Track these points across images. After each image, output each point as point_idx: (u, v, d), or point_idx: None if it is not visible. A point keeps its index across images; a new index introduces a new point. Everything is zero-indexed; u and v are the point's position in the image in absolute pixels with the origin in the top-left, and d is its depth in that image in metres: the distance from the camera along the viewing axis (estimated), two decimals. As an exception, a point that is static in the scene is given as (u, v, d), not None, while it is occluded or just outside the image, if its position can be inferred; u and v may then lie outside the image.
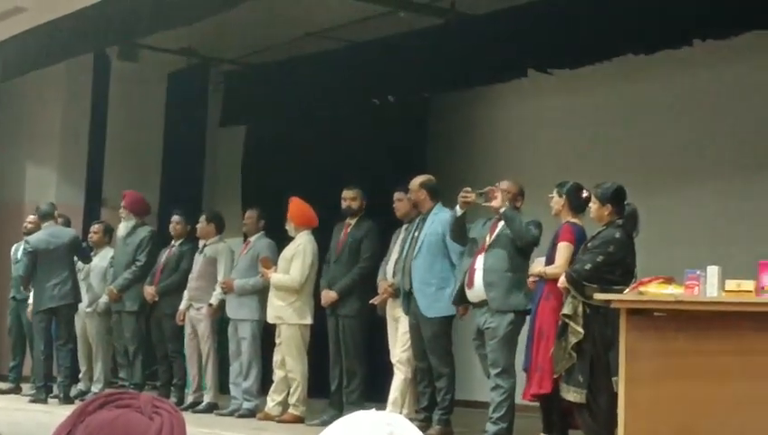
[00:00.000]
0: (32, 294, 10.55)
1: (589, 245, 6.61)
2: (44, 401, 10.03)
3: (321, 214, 9.21)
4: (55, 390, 10.23)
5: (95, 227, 10.95)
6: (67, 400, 10.11)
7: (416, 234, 8.01)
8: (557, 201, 7.11)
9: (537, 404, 7.18)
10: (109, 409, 1.50)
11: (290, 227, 9.17)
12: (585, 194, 7.02)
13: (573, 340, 6.46)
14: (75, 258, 10.42)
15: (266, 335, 9.40)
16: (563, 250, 6.94)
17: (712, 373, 5.68)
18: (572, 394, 6.55)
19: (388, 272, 8.32)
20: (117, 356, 10.68)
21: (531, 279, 7.15)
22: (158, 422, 1.52)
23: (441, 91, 11.03)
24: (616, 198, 6.66)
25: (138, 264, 10.30)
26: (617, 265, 6.49)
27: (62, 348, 10.25)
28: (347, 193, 8.86)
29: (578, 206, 7.06)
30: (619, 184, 6.73)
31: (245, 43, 12.57)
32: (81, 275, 10.54)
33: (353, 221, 8.86)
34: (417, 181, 8.12)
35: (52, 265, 10.12)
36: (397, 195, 8.39)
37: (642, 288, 5.86)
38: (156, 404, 1.50)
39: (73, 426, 1.47)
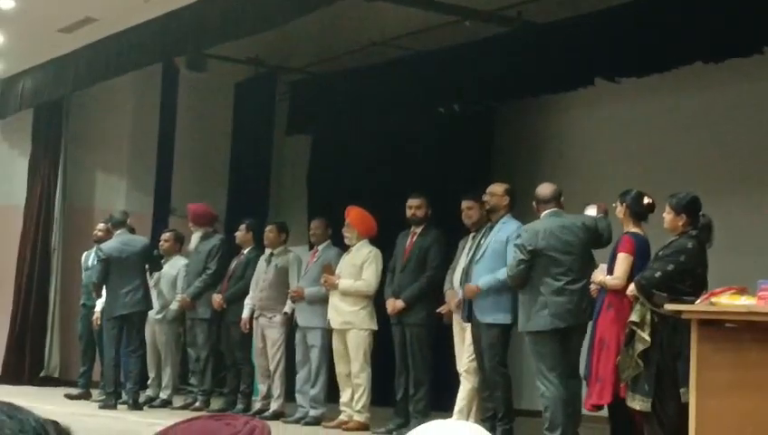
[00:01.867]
0: (99, 301, 10.69)
1: (660, 253, 6.56)
2: (114, 407, 10.15)
3: (386, 222, 9.22)
4: (124, 396, 10.35)
5: (166, 236, 11.10)
6: (136, 406, 10.22)
7: (482, 241, 8.00)
8: (620, 210, 7.09)
9: (604, 414, 7.13)
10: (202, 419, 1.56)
11: (351, 234, 9.18)
12: (647, 201, 6.98)
13: (640, 347, 6.41)
14: (146, 266, 10.55)
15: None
16: (621, 261, 6.91)
17: (785, 386, 5.60)
18: (638, 403, 6.50)
19: (455, 281, 8.31)
20: (189, 363, 10.80)
21: (593, 287, 7.13)
22: (239, 428, 1.56)
23: (507, 100, 11.00)
24: (691, 208, 6.60)
25: (208, 271, 10.43)
26: (687, 275, 6.44)
27: (133, 355, 10.37)
28: (412, 201, 8.87)
29: (639, 213, 7.02)
30: (694, 194, 6.67)
31: (312, 52, 12.66)
32: (151, 283, 10.67)
33: (419, 230, 8.86)
34: (502, 187, 8.07)
35: (124, 273, 10.25)
36: (466, 203, 8.33)
37: (714, 299, 5.79)
38: (249, 420, 1.57)
39: (166, 432, 1.52)
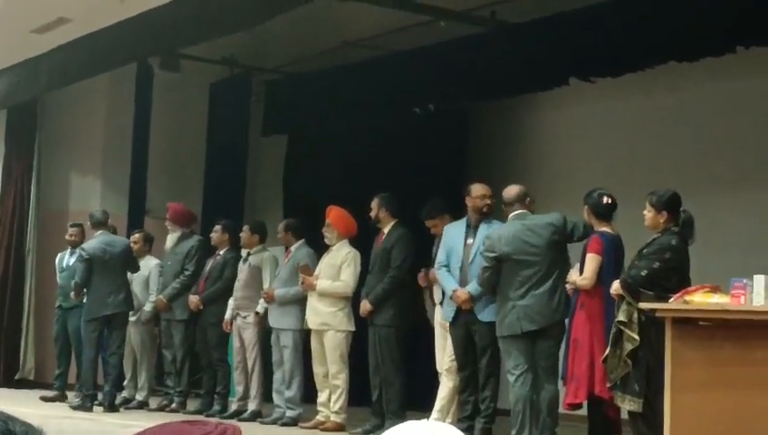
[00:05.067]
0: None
1: (644, 251, 6.57)
2: (90, 409, 10.10)
3: (361, 223, 9.23)
4: (100, 397, 10.30)
5: (135, 237, 11.03)
6: (112, 408, 10.17)
7: (467, 241, 8.00)
8: (585, 211, 7.14)
9: (582, 413, 7.16)
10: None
11: (332, 235, 9.18)
12: (607, 200, 7.02)
13: (629, 347, 6.41)
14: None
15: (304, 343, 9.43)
16: (590, 262, 6.96)
17: (758, 383, 5.63)
18: (628, 403, 6.51)
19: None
20: (165, 364, 10.77)
21: (568, 286, 7.17)
22: (210, 430, 1.56)
23: (482, 100, 11.01)
24: (671, 204, 6.62)
25: (186, 273, 10.42)
26: (673, 272, 6.45)
27: (114, 356, 10.33)
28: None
29: (600, 213, 7.05)
30: (673, 191, 6.69)
31: (287, 52, 12.65)
32: None
33: (386, 230, 8.87)
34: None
35: (106, 274, 10.19)
36: (430, 222, 8.52)
37: (688, 297, 5.82)
38: (219, 423, 1.57)
39: (140, 433, 1.52)
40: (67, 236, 11.14)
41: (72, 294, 10.57)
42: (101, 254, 10.24)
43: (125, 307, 10.31)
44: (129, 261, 10.50)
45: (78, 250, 10.59)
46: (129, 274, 10.63)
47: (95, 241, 10.40)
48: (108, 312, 10.18)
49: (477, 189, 8.05)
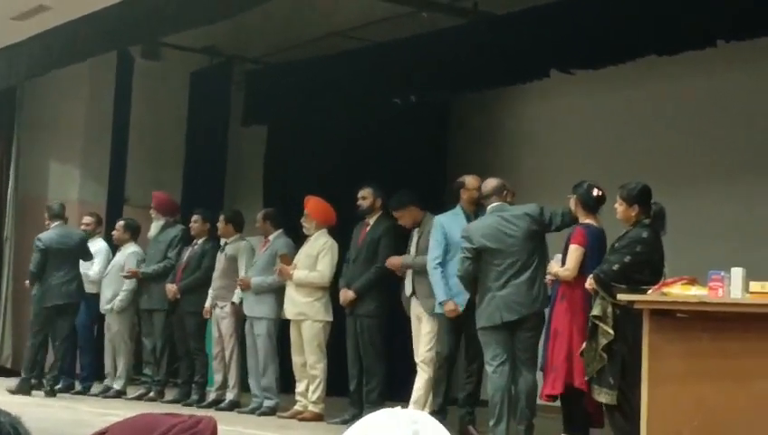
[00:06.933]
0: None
1: (616, 245, 6.60)
2: (28, 393, 10.22)
3: (342, 213, 9.23)
4: (45, 384, 10.42)
5: (117, 225, 11.09)
6: (52, 393, 10.26)
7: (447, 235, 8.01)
8: (572, 202, 7.13)
9: (559, 404, 7.18)
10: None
11: (309, 224, 9.18)
12: (597, 193, 7.02)
13: (604, 341, 6.44)
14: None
15: (284, 333, 9.42)
16: (573, 253, 6.97)
17: (735, 375, 5.66)
18: (604, 396, 6.54)
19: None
20: (144, 353, 10.77)
21: (548, 277, 7.17)
22: (183, 419, 1.55)
23: (463, 92, 11.01)
24: (642, 197, 6.64)
25: (170, 261, 10.42)
26: (645, 265, 6.47)
27: (62, 345, 10.46)
28: (360, 192, 8.91)
29: (589, 205, 7.05)
30: (644, 184, 6.71)
31: (268, 42, 12.60)
32: (96, 273, 10.77)
33: (372, 221, 8.87)
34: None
35: (60, 264, 10.38)
36: (395, 213, 8.51)
37: (665, 289, 5.84)
38: (195, 416, 1.57)
39: (114, 424, 1.52)
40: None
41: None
42: (58, 245, 10.40)
43: (76, 298, 10.47)
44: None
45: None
46: (97, 265, 10.73)
47: (52, 232, 10.56)
48: (59, 302, 10.35)
49: (472, 182, 8.08)
